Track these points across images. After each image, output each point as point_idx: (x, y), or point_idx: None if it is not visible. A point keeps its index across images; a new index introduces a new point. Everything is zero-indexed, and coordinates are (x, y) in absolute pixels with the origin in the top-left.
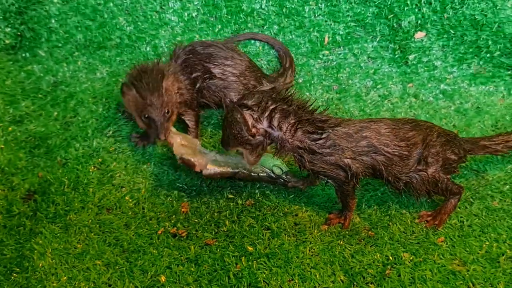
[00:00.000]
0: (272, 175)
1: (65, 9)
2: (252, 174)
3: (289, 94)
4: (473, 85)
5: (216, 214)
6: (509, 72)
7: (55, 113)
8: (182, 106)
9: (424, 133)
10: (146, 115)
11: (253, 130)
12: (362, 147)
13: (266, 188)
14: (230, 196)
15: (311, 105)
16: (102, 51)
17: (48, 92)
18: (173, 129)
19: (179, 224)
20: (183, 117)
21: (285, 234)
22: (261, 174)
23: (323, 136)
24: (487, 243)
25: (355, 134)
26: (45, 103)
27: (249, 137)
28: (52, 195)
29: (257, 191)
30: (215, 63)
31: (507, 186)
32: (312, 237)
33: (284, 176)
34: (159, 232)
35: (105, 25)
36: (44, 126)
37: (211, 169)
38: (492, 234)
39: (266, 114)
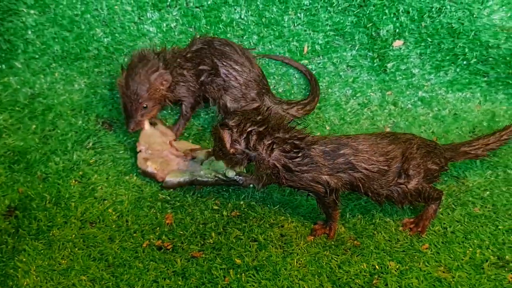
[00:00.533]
0: (225, 178)
1: (42, 20)
2: (208, 180)
3: (267, 114)
4: (450, 92)
5: (201, 225)
6: (485, 79)
7: (34, 126)
8: (182, 90)
9: (403, 146)
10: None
11: (232, 150)
12: (339, 164)
13: (252, 199)
14: (215, 207)
15: (288, 124)
16: (79, 62)
17: (25, 104)
18: (148, 125)
19: (164, 237)
20: (181, 102)
21: (272, 246)
22: (216, 179)
23: (300, 154)
24: (470, 249)
25: (332, 152)
26: (22, 116)
27: (229, 155)
28: (33, 211)
29: (242, 202)
30: (224, 63)
31: (487, 192)
32: (299, 249)
33: (236, 178)
34: (144, 245)
35: (82, 36)
36: (23, 140)
37: (169, 180)
38: (475, 240)
39: (244, 136)
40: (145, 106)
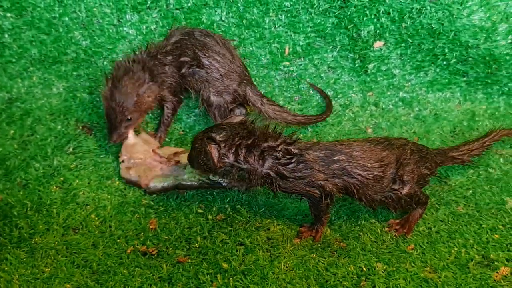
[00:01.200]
0: (208, 181)
1: (19, 23)
2: (192, 183)
3: (251, 127)
4: (430, 92)
5: (186, 230)
6: (465, 79)
7: (12, 132)
8: (164, 91)
9: (397, 152)
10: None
11: (219, 164)
12: (334, 170)
13: (237, 202)
14: (200, 211)
15: (274, 131)
16: (58, 65)
17: (2, 109)
18: (131, 135)
19: (148, 242)
20: (163, 103)
21: (259, 250)
22: (200, 182)
23: (293, 160)
24: (455, 248)
25: (326, 158)
26: (0, 121)
27: (213, 168)
28: (14, 219)
29: (227, 205)
30: (206, 54)
31: (470, 191)
32: (286, 252)
33: (220, 180)
34: (129, 251)
35: (61, 39)
36: (1, 146)
37: (153, 186)
38: (459, 240)
39: (233, 150)
40: (129, 118)
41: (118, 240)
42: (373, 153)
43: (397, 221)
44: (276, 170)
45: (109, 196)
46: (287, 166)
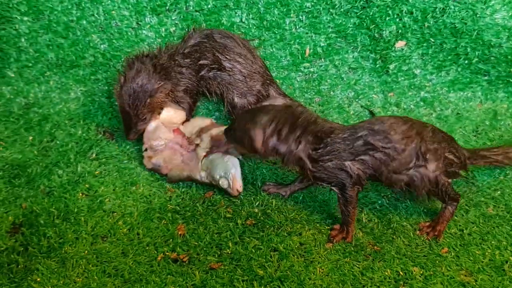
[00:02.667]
0: (219, 186)
1: (36, 27)
2: (204, 181)
3: (297, 109)
4: (451, 91)
5: (216, 235)
6: (486, 78)
7: (30, 138)
8: (180, 93)
9: (418, 127)
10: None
11: (263, 147)
12: (359, 146)
13: (266, 206)
14: (228, 215)
15: (316, 118)
16: (75, 70)
17: (20, 115)
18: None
19: (178, 248)
20: (179, 104)
21: (293, 255)
22: (210, 181)
23: (321, 145)
24: (489, 251)
25: (350, 136)
26: (18, 127)
27: (257, 151)
28: (41, 228)
29: (256, 209)
30: (227, 57)
31: (498, 192)
32: (319, 257)
33: (228, 190)
34: (159, 258)
35: (78, 43)
36: (21, 152)
37: (171, 176)
38: (492, 242)
39: (276, 130)
40: (145, 117)
41: (147, 248)
42: (394, 126)
43: (428, 224)
44: (308, 153)
45: (134, 203)
46: (317, 151)
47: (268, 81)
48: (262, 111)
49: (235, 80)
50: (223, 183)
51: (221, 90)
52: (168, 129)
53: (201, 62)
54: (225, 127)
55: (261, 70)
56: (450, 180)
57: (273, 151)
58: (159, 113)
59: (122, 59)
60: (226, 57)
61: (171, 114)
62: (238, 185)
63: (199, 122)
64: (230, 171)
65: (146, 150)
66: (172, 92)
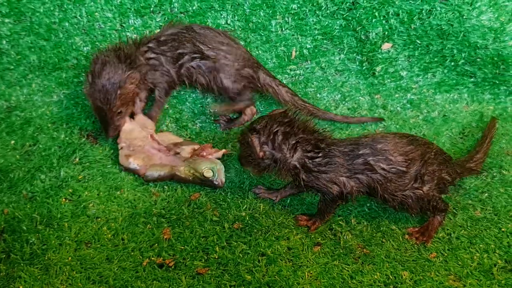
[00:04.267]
0: (202, 177)
1: (17, 29)
2: (186, 177)
3: (294, 116)
4: (438, 93)
5: (202, 239)
6: (472, 79)
7: (12, 142)
8: (157, 78)
9: (422, 149)
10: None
11: (261, 153)
12: (358, 164)
13: (254, 210)
14: (214, 218)
15: (313, 125)
16: (58, 72)
17: (2, 118)
18: (127, 120)
19: (164, 253)
20: (154, 87)
21: (281, 260)
22: (193, 177)
23: (320, 154)
24: (477, 254)
25: (351, 152)
26: (0, 131)
27: (258, 160)
28: (24, 234)
29: (244, 213)
30: (209, 46)
31: (486, 194)
32: (308, 261)
33: (213, 179)
34: (144, 263)
35: (61, 45)
36: (3, 157)
37: (149, 174)
38: (480, 245)
39: (271, 137)
40: (119, 111)
41: (133, 253)
42: (398, 146)
43: (417, 229)
44: (302, 163)
45: (119, 208)
46: (314, 160)
47: (256, 65)
48: (257, 119)
49: (221, 64)
50: (208, 173)
51: (207, 79)
52: (145, 132)
53: (180, 51)
54: (198, 145)
55: (246, 56)
56: (441, 196)
57: (272, 159)
58: (133, 110)
59: None
60: (208, 47)
61: (145, 120)
62: (223, 176)
63: (172, 137)
64: (216, 166)
65: (122, 148)
66: (144, 80)
